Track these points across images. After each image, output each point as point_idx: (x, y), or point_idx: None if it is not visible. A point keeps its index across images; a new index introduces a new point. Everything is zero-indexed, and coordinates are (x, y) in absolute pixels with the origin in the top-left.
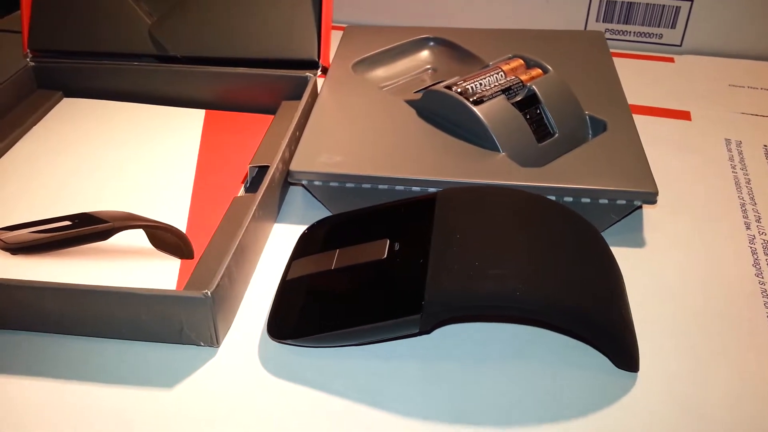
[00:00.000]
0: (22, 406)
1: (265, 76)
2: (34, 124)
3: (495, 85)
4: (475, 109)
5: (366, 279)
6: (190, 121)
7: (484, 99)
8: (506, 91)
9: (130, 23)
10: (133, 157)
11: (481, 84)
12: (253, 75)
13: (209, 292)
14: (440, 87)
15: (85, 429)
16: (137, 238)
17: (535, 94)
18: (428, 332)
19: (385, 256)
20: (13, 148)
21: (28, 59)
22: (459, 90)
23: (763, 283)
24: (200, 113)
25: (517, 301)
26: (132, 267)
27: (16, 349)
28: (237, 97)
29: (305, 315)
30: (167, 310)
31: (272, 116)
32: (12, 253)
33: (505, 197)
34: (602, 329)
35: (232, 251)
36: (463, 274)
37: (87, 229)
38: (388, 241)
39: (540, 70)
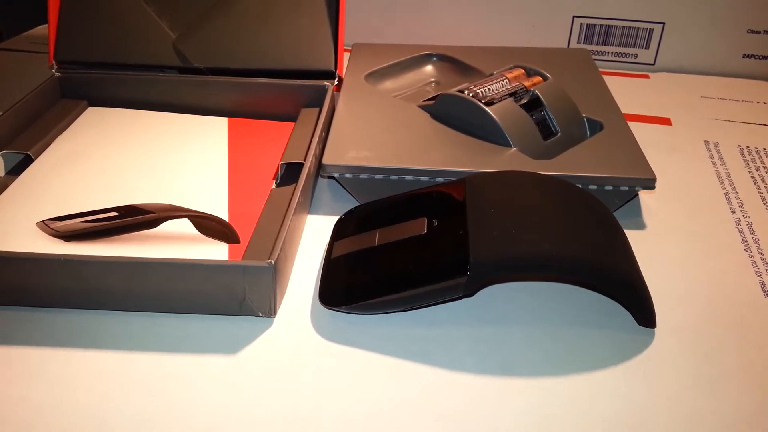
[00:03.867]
0: (85, 375)
1: (285, 85)
2: (61, 132)
3: (502, 90)
4: (488, 109)
5: (411, 250)
6: (215, 128)
7: (494, 101)
8: (513, 95)
9: (155, 37)
10: (165, 159)
11: (489, 89)
12: (273, 85)
13: (273, 261)
14: (453, 91)
15: (153, 392)
16: (183, 227)
17: (538, 97)
18: (470, 295)
19: (426, 231)
20: (44, 153)
21: (53, 70)
22: (471, 94)
23: (753, 256)
24: (223, 121)
25: (557, 260)
26: (183, 250)
27: (76, 326)
28: (258, 106)
29: (356, 284)
30: (232, 279)
31: (291, 123)
32: (65, 240)
33: (528, 179)
34: (630, 286)
35: (287, 227)
36: (505, 239)
37: (135, 218)
38: (426, 219)
39: (540, 78)
